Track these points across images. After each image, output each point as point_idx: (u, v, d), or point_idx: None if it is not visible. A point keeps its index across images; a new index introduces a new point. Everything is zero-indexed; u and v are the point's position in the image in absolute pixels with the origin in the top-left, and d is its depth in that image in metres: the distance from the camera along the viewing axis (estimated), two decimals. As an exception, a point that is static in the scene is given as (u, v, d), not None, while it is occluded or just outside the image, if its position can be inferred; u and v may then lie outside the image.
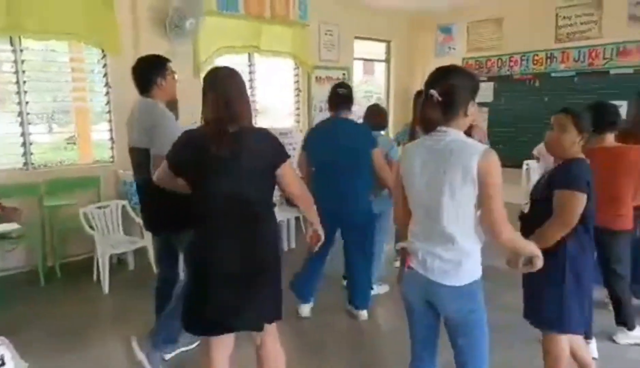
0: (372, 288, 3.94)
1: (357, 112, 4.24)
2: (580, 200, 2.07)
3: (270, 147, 2.03)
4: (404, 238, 1.90)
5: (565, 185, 2.09)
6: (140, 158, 2.56)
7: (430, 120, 1.72)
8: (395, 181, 1.97)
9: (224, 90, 1.98)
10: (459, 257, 1.70)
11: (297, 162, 3.54)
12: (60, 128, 5.95)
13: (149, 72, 2.59)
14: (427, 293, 1.80)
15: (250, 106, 2.08)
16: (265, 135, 2.05)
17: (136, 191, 2.85)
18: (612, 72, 6.03)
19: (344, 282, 4.14)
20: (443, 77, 1.72)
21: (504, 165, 1.71)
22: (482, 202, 1.65)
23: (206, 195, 2.00)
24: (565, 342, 2.27)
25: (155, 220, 2.73)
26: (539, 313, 2.23)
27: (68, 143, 5.87)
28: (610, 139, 2.75)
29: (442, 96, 1.67)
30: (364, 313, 3.57)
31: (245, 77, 5.98)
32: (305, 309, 3.60)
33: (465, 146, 1.66)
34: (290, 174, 2.09)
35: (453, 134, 1.70)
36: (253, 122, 2.11)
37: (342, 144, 3.26)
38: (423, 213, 1.77)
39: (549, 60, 6.60)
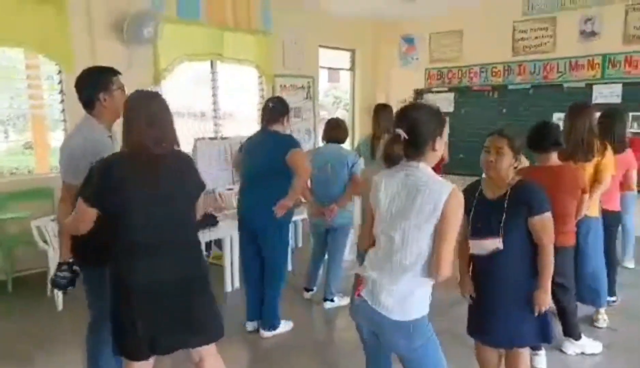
0: (332, 300, 3.99)
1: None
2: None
3: (195, 174, 2.10)
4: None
5: (545, 209, 2.20)
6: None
7: (396, 157, 1.75)
8: (369, 207, 1.94)
9: (148, 112, 1.93)
10: (406, 291, 1.72)
11: (233, 161, 3.85)
12: (16, 135, 5.76)
13: (91, 87, 2.30)
14: (373, 325, 1.81)
15: (175, 129, 2.04)
16: (190, 161, 2.13)
17: None
18: (565, 85, 6.27)
19: (307, 294, 4.17)
20: (408, 116, 1.75)
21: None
22: (437, 239, 1.68)
23: (135, 225, 1.90)
24: (527, 354, 2.40)
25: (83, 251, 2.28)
26: (519, 333, 2.27)
27: (25, 148, 5.70)
28: (554, 157, 2.86)
29: (408, 134, 1.70)
30: (267, 334, 3.47)
31: (208, 84, 6.09)
32: (250, 325, 3.58)
33: (435, 184, 1.69)
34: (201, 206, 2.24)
35: (423, 169, 1.73)
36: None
37: (261, 155, 3.31)
38: (384, 241, 1.78)
39: (506, 72, 6.81)
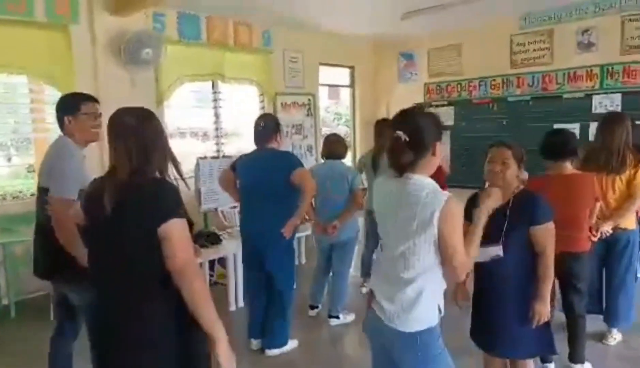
0: (337, 317, 3.96)
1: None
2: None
3: (153, 203, 1.59)
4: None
5: (547, 219, 2.20)
6: (44, 197, 2.44)
7: (402, 164, 1.70)
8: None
9: (136, 135, 1.65)
10: (409, 301, 1.69)
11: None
12: (20, 158, 5.80)
13: (60, 110, 2.51)
14: (382, 337, 1.79)
15: (164, 155, 1.71)
16: (156, 188, 1.63)
17: (35, 231, 2.63)
18: (564, 96, 6.30)
19: (312, 312, 4.14)
20: (408, 118, 1.75)
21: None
22: (442, 244, 1.67)
23: (91, 256, 1.76)
24: (532, 364, 2.39)
25: (47, 261, 2.50)
26: (521, 343, 2.26)
27: (28, 171, 5.73)
28: (569, 166, 2.85)
29: (409, 137, 1.68)
30: (273, 352, 3.45)
31: (210, 104, 6.14)
32: (255, 343, 3.56)
33: (430, 193, 1.66)
34: (176, 238, 1.56)
35: (423, 181, 1.71)
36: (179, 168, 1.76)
37: (262, 173, 3.28)
38: (388, 252, 1.77)
39: (505, 85, 6.85)
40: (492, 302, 2.28)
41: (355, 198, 3.81)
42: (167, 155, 1.72)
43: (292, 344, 3.53)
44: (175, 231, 1.55)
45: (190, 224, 1.67)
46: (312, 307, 4.16)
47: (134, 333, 1.60)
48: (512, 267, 2.22)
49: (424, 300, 1.71)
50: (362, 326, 1.94)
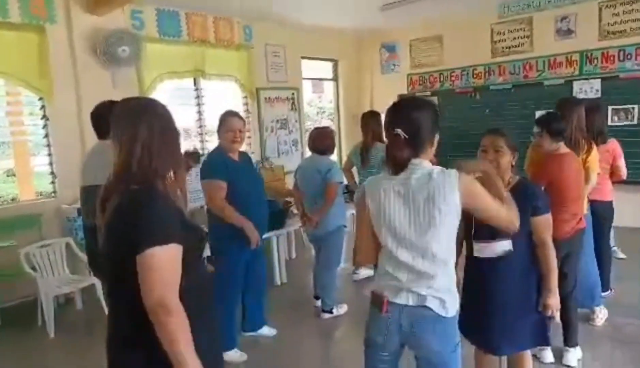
0: (331, 311, 3.96)
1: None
2: None
3: (129, 224, 1.33)
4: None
5: (546, 209, 2.18)
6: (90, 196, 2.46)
7: (401, 161, 1.66)
8: (360, 219, 1.86)
9: (130, 131, 1.43)
10: (443, 287, 1.66)
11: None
12: (-3, 162, 5.68)
13: (100, 117, 2.66)
14: (403, 333, 1.71)
15: (170, 155, 1.47)
16: (136, 205, 1.35)
17: (87, 235, 2.69)
18: (545, 83, 6.37)
19: (317, 302, 4.12)
20: (406, 114, 1.68)
21: None
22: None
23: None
24: (530, 356, 2.38)
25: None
26: (522, 337, 2.21)
27: (7, 176, 5.61)
28: (563, 146, 2.90)
29: (408, 133, 1.63)
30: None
31: (192, 101, 6.07)
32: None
33: (443, 173, 1.63)
34: (154, 269, 1.30)
35: (426, 164, 1.67)
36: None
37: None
38: (405, 248, 1.68)
39: (487, 73, 6.91)
40: (490, 297, 2.19)
41: (328, 192, 3.77)
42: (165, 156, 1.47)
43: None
44: (152, 262, 1.30)
45: (200, 239, 1.51)
46: (317, 297, 4.16)
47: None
48: (515, 260, 2.15)
49: (453, 287, 1.71)
50: (369, 331, 1.80)
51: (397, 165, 1.67)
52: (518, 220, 1.75)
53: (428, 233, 1.62)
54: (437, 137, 1.73)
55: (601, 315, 3.51)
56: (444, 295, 1.66)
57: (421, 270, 1.65)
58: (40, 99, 4.72)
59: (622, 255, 4.83)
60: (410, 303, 1.67)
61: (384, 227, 1.72)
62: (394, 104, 1.76)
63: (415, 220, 1.64)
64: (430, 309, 1.65)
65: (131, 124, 1.43)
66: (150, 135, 1.42)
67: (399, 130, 1.63)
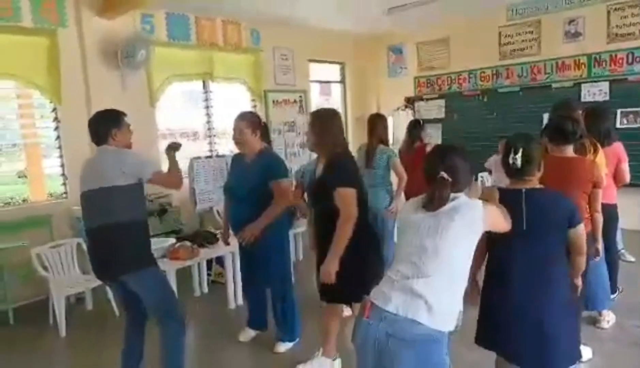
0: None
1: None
2: None
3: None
4: None
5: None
6: (104, 198, 2.56)
7: (442, 199, 1.82)
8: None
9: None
10: (437, 300, 1.70)
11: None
12: (9, 163, 5.75)
13: (106, 124, 2.72)
14: (381, 344, 1.72)
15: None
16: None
17: (90, 237, 2.70)
18: (554, 86, 6.36)
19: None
20: (450, 159, 1.87)
21: None
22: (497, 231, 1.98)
23: None
24: None
25: (113, 262, 2.63)
26: (555, 354, 2.13)
27: (19, 177, 5.68)
28: (571, 149, 2.87)
29: (452, 177, 1.82)
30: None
31: (201, 104, 6.13)
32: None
33: (468, 204, 1.82)
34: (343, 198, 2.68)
35: (461, 197, 1.85)
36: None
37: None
38: (413, 260, 1.77)
39: (494, 76, 6.91)
40: (521, 305, 2.11)
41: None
42: None
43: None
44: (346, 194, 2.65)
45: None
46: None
47: None
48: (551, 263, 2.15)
49: (449, 301, 1.79)
50: (355, 338, 1.84)
51: (437, 202, 1.81)
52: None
53: (440, 255, 1.75)
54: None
55: (608, 318, 3.50)
56: (430, 306, 1.68)
57: (420, 290, 1.72)
58: (52, 101, 4.80)
59: (631, 258, 4.81)
60: (400, 312, 1.69)
61: (402, 242, 1.90)
62: (439, 150, 2.09)
63: (432, 240, 1.77)
64: (419, 323, 1.67)
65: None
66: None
67: (444, 175, 1.81)
